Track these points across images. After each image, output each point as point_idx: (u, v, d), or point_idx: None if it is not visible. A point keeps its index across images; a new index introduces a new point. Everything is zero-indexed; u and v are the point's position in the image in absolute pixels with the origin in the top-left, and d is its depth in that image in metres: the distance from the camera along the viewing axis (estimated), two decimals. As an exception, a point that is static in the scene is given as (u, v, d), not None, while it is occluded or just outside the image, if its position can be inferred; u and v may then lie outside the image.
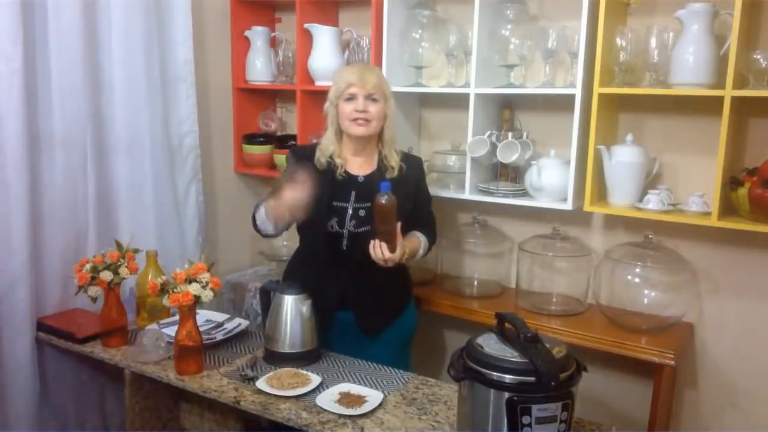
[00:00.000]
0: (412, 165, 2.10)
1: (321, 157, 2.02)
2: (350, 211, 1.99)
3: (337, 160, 2.01)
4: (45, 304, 2.21)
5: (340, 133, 2.04)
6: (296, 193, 1.81)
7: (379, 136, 2.05)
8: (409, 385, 1.82)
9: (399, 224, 1.88)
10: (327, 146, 2.04)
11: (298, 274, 2.11)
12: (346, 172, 2.02)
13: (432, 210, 2.22)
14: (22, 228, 2.08)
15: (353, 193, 2.00)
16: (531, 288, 2.40)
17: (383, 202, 1.82)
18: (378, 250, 1.87)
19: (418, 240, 2.08)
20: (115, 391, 2.37)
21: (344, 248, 2.00)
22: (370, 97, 1.96)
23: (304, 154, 2.07)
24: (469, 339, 1.47)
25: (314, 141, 2.66)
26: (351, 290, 2.04)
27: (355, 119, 1.97)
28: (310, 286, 1.96)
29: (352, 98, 1.97)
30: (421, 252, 2.09)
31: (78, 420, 2.35)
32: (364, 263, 1.92)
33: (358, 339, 2.05)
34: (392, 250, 1.87)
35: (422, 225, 2.13)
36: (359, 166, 2.05)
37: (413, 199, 2.07)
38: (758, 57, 1.89)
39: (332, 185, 1.99)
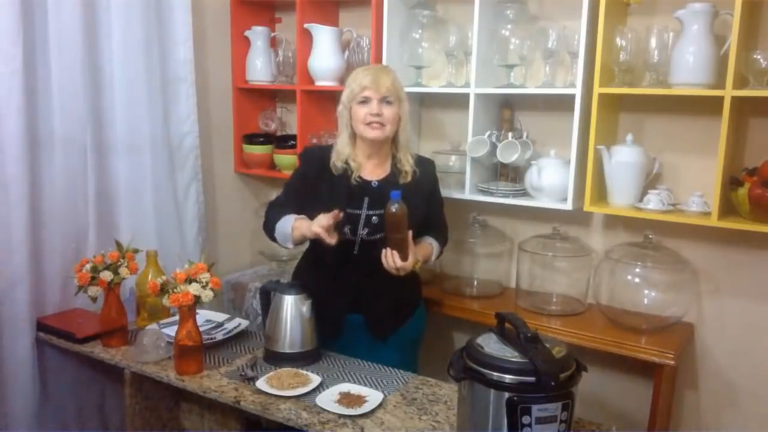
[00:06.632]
0: (426, 169, 2.08)
1: (337, 161, 1.99)
2: (363, 218, 1.97)
3: (352, 164, 1.99)
4: (45, 304, 2.21)
5: (353, 136, 2.01)
6: (329, 225, 1.83)
7: (393, 139, 2.03)
8: (409, 385, 1.82)
9: (410, 232, 1.86)
10: (342, 149, 2.00)
11: (308, 277, 2.09)
12: (360, 176, 2.00)
13: (444, 213, 2.21)
14: (22, 228, 2.08)
15: (366, 200, 1.97)
16: (531, 288, 2.40)
17: (394, 210, 1.80)
18: (390, 259, 1.86)
19: (430, 246, 2.08)
20: (115, 391, 2.37)
21: (355, 254, 1.98)
22: (384, 100, 1.94)
23: (316, 156, 2.05)
24: (469, 339, 1.47)
25: (318, 142, 2.68)
26: (361, 295, 2.03)
27: (369, 123, 1.94)
28: (320, 290, 1.96)
29: (365, 101, 1.94)
30: (433, 258, 2.10)
31: (78, 420, 2.34)
32: (374, 269, 1.90)
33: (368, 342, 2.04)
34: (404, 258, 1.86)
35: (433, 229, 2.12)
36: (372, 169, 2.03)
37: (427, 204, 2.05)
38: (758, 57, 1.89)
39: (347, 191, 1.97)
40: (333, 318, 2.01)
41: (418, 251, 1.96)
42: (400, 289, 2.04)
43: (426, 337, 2.29)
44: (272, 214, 2.03)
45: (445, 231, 2.21)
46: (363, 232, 1.96)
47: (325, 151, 2.04)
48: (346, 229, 1.96)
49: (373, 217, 1.96)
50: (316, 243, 2.11)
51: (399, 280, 1.95)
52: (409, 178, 2.01)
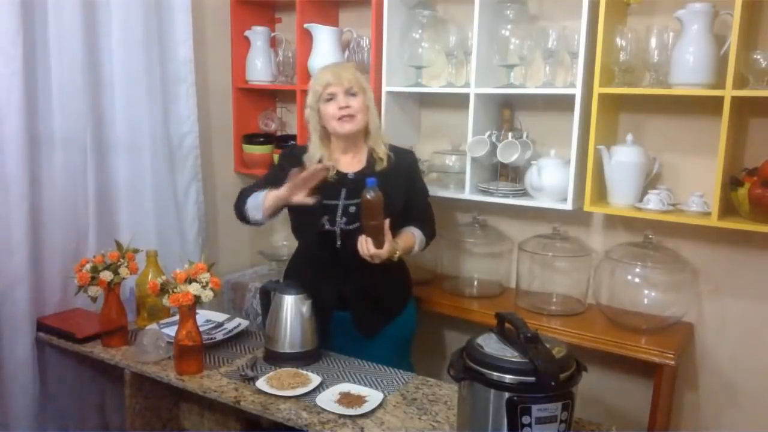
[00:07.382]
0: (402, 157, 2.09)
1: (309, 164, 1.99)
2: (341, 208, 1.98)
3: (329, 164, 2.00)
4: (45, 304, 2.21)
5: (326, 136, 2.04)
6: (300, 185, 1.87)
7: (366, 131, 2.05)
8: (409, 385, 1.82)
9: (387, 221, 1.86)
10: (314, 154, 2.03)
11: (297, 274, 2.11)
12: (336, 171, 2.02)
13: (429, 203, 2.20)
14: (22, 228, 2.08)
15: (344, 191, 2.00)
16: (531, 288, 2.40)
17: (369, 197, 1.81)
18: (364, 246, 1.87)
19: (412, 236, 2.06)
20: (115, 391, 2.36)
21: (338, 247, 1.99)
22: (349, 92, 1.97)
23: (296, 153, 2.09)
24: (469, 339, 1.47)
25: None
26: (348, 290, 2.04)
27: (340, 118, 1.96)
28: (308, 287, 1.97)
29: (332, 98, 1.97)
30: (416, 248, 2.07)
31: (78, 420, 2.35)
32: (359, 262, 1.91)
33: (357, 339, 2.05)
34: (379, 246, 1.86)
35: (418, 219, 2.12)
36: (349, 163, 2.05)
37: (405, 193, 2.06)
38: (758, 57, 1.89)
39: (324, 184, 1.98)
40: (320, 313, 2.00)
41: (399, 241, 1.97)
42: (387, 285, 2.06)
43: (425, 337, 2.29)
44: (245, 195, 2.05)
45: (431, 223, 2.19)
46: (341, 221, 1.97)
47: (306, 150, 2.07)
48: (325, 220, 1.98)
49: (351, 207, 1.97)
50: (302, 240, 2.13)
51: (387, 276, 1.97)
52: (384, 164, 2.03)
